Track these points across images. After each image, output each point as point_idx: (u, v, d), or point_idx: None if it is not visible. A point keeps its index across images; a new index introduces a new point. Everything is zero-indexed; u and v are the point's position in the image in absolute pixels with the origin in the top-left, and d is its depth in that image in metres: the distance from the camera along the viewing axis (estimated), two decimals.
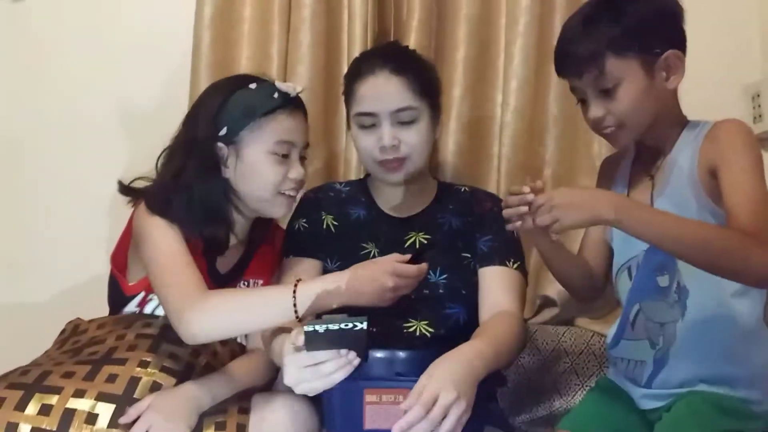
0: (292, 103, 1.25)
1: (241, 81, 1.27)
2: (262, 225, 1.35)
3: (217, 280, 1.26)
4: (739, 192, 1.05)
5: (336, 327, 0.96)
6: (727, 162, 1.08)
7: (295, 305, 1.09)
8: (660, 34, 1.12)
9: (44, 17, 1.76)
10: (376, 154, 1.27)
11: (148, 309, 1.26)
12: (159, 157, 1.27)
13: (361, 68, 1.31)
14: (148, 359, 1.14)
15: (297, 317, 1.09)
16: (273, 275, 1.34)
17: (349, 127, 1.35)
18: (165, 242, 1.17)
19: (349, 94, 1.32)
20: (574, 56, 1.12)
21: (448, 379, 1.00)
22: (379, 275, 1.08)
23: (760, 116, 1.74)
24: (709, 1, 1.79)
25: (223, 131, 1.22)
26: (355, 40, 1.62)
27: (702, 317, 1.12)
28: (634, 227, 1.03)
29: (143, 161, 1.31)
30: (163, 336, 1.19)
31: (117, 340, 1.19)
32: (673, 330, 1.14)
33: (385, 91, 1.26)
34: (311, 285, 1.11)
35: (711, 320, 1.11)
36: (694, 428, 1.06)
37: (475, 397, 1.05)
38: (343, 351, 1.00)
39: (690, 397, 1.10)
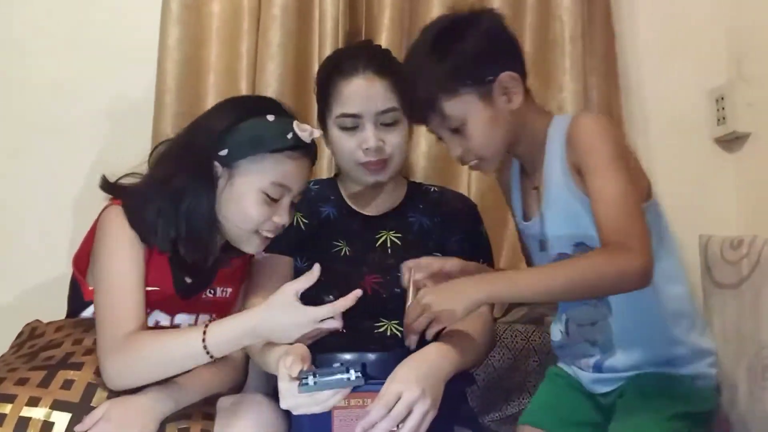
0: (303, 148, 1.18)
1: (261, 106, 1.20)
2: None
3: (183, 288, 1.23)
4: (600, 201, 1.05)
5: (329, 378, 0.97)
6: (586, 166, 1.08)
7: (206, 349, 1.06)
8: (487, 62, 1.11)
9: (4, 16, 1.70)
10: (359, 155, 1.26)
11: None
12: (152, 152, 1.23)
13: (342, 68, 1.28)
14: None
15: (212, 359, 1.08)
16: (243, 282, 1.31)
17: (320, 124, 1.33)
18: (118, 260, 1.13)
19: (329, 94, 1.29)
20: (414, 106, 1.14)
21: (411, 379, 1.01)
22: (301, 325, 1.04)
23: (723, 119, 1.78)
24: (675, 7, 1.83)
25: (224, 152, 1.16)
26: (326, 39, 1.61)
27: (631, 308, 1.13)
28: (510, 298, 1.11)
29: (108, 160, 1.28)
30: None
31: (74, 345, 1.15)
32: (606, 326, 1.15)
33: (370, 92, 1.25)
34: (222, 328, 1.07)
35: (641, 308, 1.12)
36: (646, 416, 1.08)
37: (445, 396, 1.06)
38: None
39: (638, 382, 1.13)
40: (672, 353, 1.14)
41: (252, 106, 1.21)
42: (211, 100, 1.66)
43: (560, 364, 1.27)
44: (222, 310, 1.27)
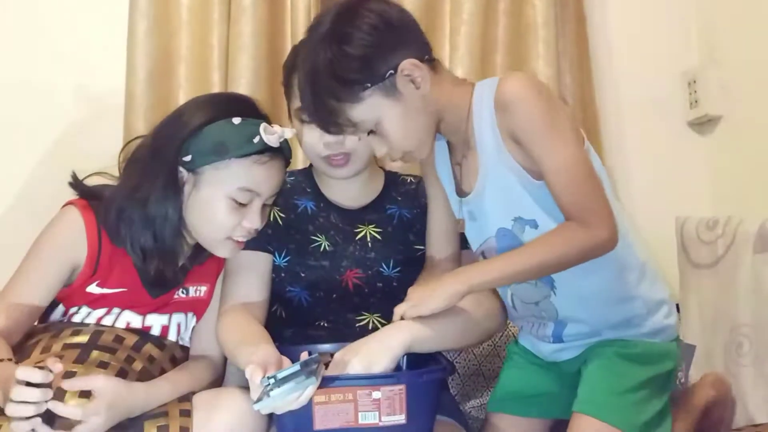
0: (271, 152, 1.13)
1: (226, 109, 1.15)
2: None
3: (153, 288, 1.20)
4: (551, 172, 1.02)
5: (282, 389, 0.96)
6: (524, 135, 1.03)
7: None
8: (380, 59, 1.03)
9: None
10: (320, 149, 1.23)
11: (76, 319, 1.19)
12: (122, 150, 1.20)
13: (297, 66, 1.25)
14: (75, 369, 1.08)
15: None
16: (217, 278, 1.29)
17: (290, 117, 1.31)
18: (53, 248, 1.15)
19: (289, 86, 1.27)
20: (324, 125, 1.08)
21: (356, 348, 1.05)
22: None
23: (696, 101, 1.79)
24: None
25: (188, 158, 1.12)
26: (298, 28, 1.60)
27: (572, 284, 1.11)
28: (489, 285, 1.11)
29: (78, 155, 1.25)
30: (92, 344, 1.13)
31: (42, 353, 1.12)
32: (549, 305, 1.14)
33: None
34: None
35: (584, 280, 1.10)
36: (611, 396, 1.08)
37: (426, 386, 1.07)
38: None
39: (600, 351, 1.12)
40: (626, 312, 1.13)
41: (219, 107, 1.16)
42: (183, 92, 1.64)
43: (520, 340, 1.26)
44: (196, 308, 1.25)
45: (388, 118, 1.05)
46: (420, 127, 1.09)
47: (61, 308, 1.20)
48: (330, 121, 1.06)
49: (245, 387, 1.10)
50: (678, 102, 1.83)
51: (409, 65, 1.04)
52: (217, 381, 1.26)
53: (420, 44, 1.09)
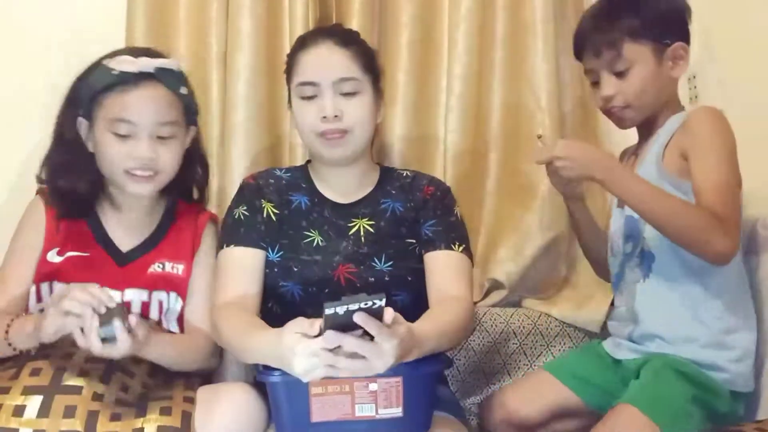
0: (135, 79, 1.21)
1: (106, 56, 1.26)
2: (171, 204, 1.34)
3: (119, 258, 1.26)
4: (708, 179, 1.16)
5: (355, 307, 0.92)
6: (697, 148, 1.19)
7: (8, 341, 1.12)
8: (671, 27, 1.27)
9: None
10: (317, 124, 1.25)
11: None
12: None
13: (304, 41, 1.31)
14: (73, 351, 1.12)
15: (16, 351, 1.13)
16: (194, 257, 1.31)
17: (290, 105, 1.32)
18: (22, 233, 1.27)
19: (291, 67, 1.30)
20: (596, 39, 1.27)
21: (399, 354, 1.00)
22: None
23: (696, 97, 1.78)
24: None
25: (81, 110, 1.24)
26: (296, 25, 1.59)
27: (665, 282, 1.24)
28: (617, 190, 1.20)
29: None
30: None
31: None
32: (634, 289, 1.29)
33: (328, 60, 1.26)
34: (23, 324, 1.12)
35: (673, 285, 1.24)
36: (662, 390, 1.16)
37: (423, 380, 1.06)
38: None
39: (656, 359, 1.21)
40: (690, 334, 1.22)
41: (103, 58, 1.26)
42: None
43: (605, 344, 1.37)
44: (178, 288, 1.28)
45: (642, 68, 1.25)
46: (652, 94, 1.27)
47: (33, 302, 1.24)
48: (605, 40, 1.25)
49: (245, 382, 1.10)
50: (678, 97, 1.83)
51: (681, 47, 1.27)
52: (214, 359, 1.28)
53: (689, 43, 1.29)
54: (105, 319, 1.03)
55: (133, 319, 1.05)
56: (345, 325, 0.93)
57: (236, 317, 1.17)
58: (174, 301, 1.28)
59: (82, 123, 1.25)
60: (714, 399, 1.19)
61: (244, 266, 1.25)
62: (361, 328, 0.93)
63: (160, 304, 1.26)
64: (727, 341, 1.21)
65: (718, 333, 1.21)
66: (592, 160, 1.21)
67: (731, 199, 1.15)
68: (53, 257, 1.24)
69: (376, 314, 0.94)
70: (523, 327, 1.61)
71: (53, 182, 1.27)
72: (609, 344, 1.36)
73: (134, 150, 1.21)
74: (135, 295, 1.24)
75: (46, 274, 1.23)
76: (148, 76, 1.21)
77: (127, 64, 1.20)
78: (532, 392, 1.35)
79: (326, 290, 1.25)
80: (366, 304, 0.92)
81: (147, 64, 1.21)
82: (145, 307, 1.25)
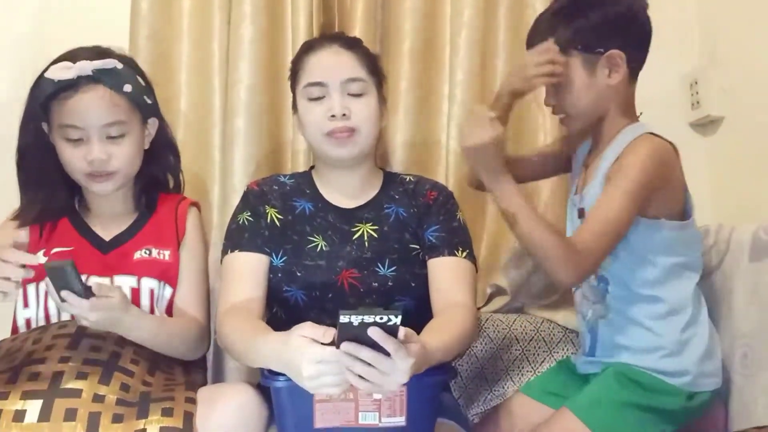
0: (75, 84, 1.21)
1: (49, 65, 1.25)
2: (149, 195, 1.36)
3: (102, 246, 1.28)
4: (599, 208, 1.17)
5: (371, 320, 0.91)
6: (613, 178, 1.19)
7: None
8: (604, 36, 1.22)
9: None
10: (325, 124, 1.26)
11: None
12: None
13: (311, 45, 1.34)
14: (69, 354, 1.12)
15: None
16: (179, 245, 1.33)
17: (295, 110, 1.33)
18: None
19: (297, 71, 1.32)
20: (538, 32, 1.27)
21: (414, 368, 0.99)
22: None
23: (698, 102, 1.79)
24: None
25: (39, 119, 1.26)
26: (298, 33, 1.60)
27: (620, 300, 1.26)
28: (498, 203, 1.20)
29: None
30: (81, 332, 1.17)
31: (34, 344, 1.16)
32: (591, 306, 1.30)
33: (335, 61, 1.28)
34: None
35: (629, 303, 1.25)
36: (604, 397, 1.21)
37: (427, 389, 1.06)
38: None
39: (610, 369, 1.24)
40: (647, 345, 1.23)
41: (47, 66, 1.25)
42: (184, 98, 1.65)
43: (573, 357, 1.40)
44: (167, 276, 1.29)
45: (572, 82, 1.23)
46: (588, 104, 1.25)
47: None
48: (543, 32, 1.25)
49: (246, 382, 1.10)
50: (680, 103, 1.83)
51: (615, 55, 1.21)
52: (203, 346, 1.31)
53: (638, 49, 1.25)
54: (57, 279, 1.06)
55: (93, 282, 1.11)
56: (357, 336, 0.93)
57: (241, 322, 1.17)
58: (164, 290, 1.29)
59: (46, 128, 1.28)
60: (668, 401, 1.21)
61: (249, 271, 1.26)
62: (373, 342, 0.92)
63: (151, 291, 1.27)
64: (685, 349, 1.23)
65: (674, 343, 1.23)
66: (484, 161, 1.19)
67: (607, 238, 1.16)
68: (41, 258, 1.23)
69: (391, 331, 0.93)
70: (526, 333, 1.61)
71: (26, 193, 1.30)
72: (576, 359, 1.39)
73: (87, 153, 1.23)
74: (124, 281, 1.25)
75: (35, 276, 1.21)
76: (88, 78, 1.22)
77: (64, 71, 1.21)
78: (515, 417, 1.35)
79: (330, 295, 1.25)
80: (381, 319, 0.91)
81: (84, 67, 1.21)
82: (135, 294, 1.26)
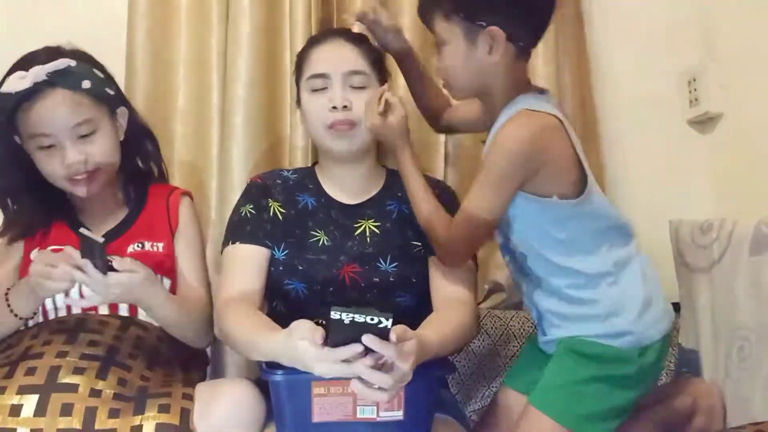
0: (33, 93, 1.19)
1: (3, 77, 1.23)
2: (137, 187, 1.36)
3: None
4: (465, 198, 1.19)
5: (362, 320, 0.92)
6: (481, 167, 1.19)
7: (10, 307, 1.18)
8: (488, 9, 1.17)
9: None
10: (327, 115, 1.26)
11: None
12: None
13: (315, 38, 1.35)
14: (66, 349, 1.12)
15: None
16: (173, 236, 1.33)
17: (299, 104, 1.33)
18: None
19: (301, 63, 1.33)
20: (419, 11, 1.25)
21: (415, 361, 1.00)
22: None
23: (696, 100, 1.79)
24: None
25: (10, 133, 1.24)
26: (297, 28, 1.59)
27: (542, 272, 1.23)
28: (400, 170, 1.26)
29: None
30: (79, 327, 1.17)
31: (31, 339, 1.16)
32: (522, 283, 1.28)
33: (338, 54, 1.29)
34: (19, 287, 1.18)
35: (549, 275, 1.23)
36: (555, 380, 1.19)
37: (425, 383, 1.06)
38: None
39: (561, 347, 1.22)
40: (585, 311, 1.21)
41: (2, 79, 1.24)
42: (182, 93, 1.65)
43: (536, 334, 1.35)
44: (163, 268, 1.29)
45: (453, 50, 1.19)
46: (466, 76, 1.21)
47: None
48: (420, 13, 1.23)
49: (244, 377, 1.10)
50: (678, 100, 1.83)
51: (496, 32, 1.16)
52: (210, 332, 1.31)
53: (525, 29, 1.19)
54: (86, 249, 1.09)
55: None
56: (349, 335, 0.93)
57: (242, 314, 1.17)
58: (160, 283, 1.29)
59: (18, 139, 1.25)
60: (621, 367, 1.19)
61: (249, 263, 1.26)
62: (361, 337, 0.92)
63: None
64: (618, 311, 1.20)
65: (608, 306, 1.20)
66: (401, 137, 1.25)
67: (468, 228, 1.18)
68: (35, 255, 1.26)
69: (382, 334, 0.93)
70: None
71: (8, 208, 1.29)
72: (539, 338, 1.34)
73: (63, 159, 1.21)
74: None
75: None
76: (45, 84, 1.19)
77: (19, 82, 1.18)
78: (504, 410, 1.32)
79: (330, 289, 1.25)
80: (373, 320, 0.92)
81: (37, 73, 1.18)
82: None
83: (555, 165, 1.16)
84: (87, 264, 1.08)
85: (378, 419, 1.04)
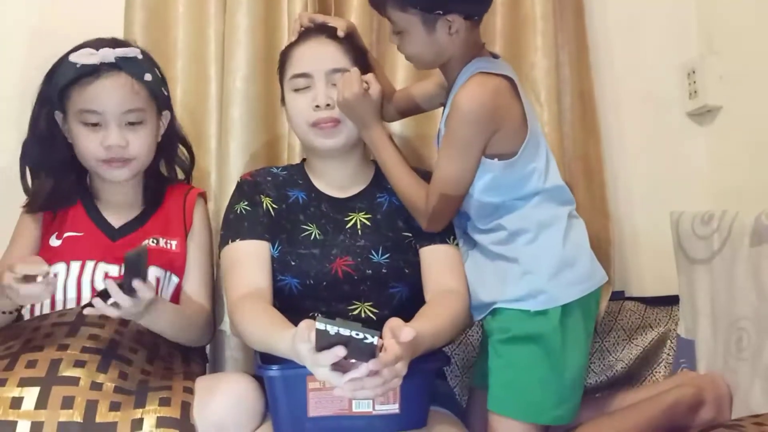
0: (97, 70, 1.24)
1: (70, 51, 1.27)
2: (157, 186, 1.38)
3: (111, 233, 1.31)
4: (435, 167, 1.24)
5: (347, 333, 0.91)
6: (445, 136, 1.23)
7: None
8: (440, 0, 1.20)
9: None
10: (310, 114, 1.27)
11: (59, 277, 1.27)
12: None
13: (298, 39, 1.34)
14: (67, 342, 1.12)
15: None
16: (187, 235, 1.35)
17: (284, 102, 1.33)
18: (13, 242, 1.32)
19: (284, 62, 1.33)
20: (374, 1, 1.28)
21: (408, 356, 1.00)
22: None
23: (695, 92, 1.78)
24: None
25: (54, 104, 1.27)
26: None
27: (473, 231, 1.30)
28: (373, 145, 1.29)
29: None
30: (80, 321, 1.18)
31: (33, 332, 1.17)
32: (466, 248, 1.33)
33: (320, 52, 1.29)
34: None
35: (478, 233, 1.29)
36: (500, 378, 1.22)
37: (420, 377, 1.07)
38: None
39: (488, 338, 1.27)
40: (501, 273, 1.25)
41: (67, 52, 1.27)
42: (179, 85, 1.64)
43: None
44: (173, 265, 1.30)
45: (413, 36, 1.22)
46: (430, 57, 1.25)
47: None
48: (375, 4, 1.26)
49: (243, 372, 1.10)
50: (677, 93, 1.82)
51: (455, 19, 1.20)
52: (209, 333, 1.32)
53: (480, 5, 1.25)
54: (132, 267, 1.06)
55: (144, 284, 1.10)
56: (332, 346, 0.93)
57: (256, 311, 1.17)
58: (170, 279, 1.31)
59: (59, 117, 1.29)
60: (545, 326, 1.21)
61: (254, 258, 1.26)
62: (347, 350, 0.92)
63: (157, 280, 1.28)
64: (534, 268, 1.22)
65: (526, 264, 1.23)
66: (369, 118, 1.27)
67: (444, 195, 1.22)
68: (54, 242, 1.29)
69: (368, 349, 0.92)
70: None
71: (35, 179, 1.31)
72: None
73: (105, 139, 1.25)
74: None
75: (48, 258, 1.23)
76: (111, 66, 1.24)
77: (88, 56, 1.23)
78: (478, 409, 1.33)
79: (324, 283, 1.25)
80: (358, 335, 0.91)
81: (107, 54, 1.24)
82: None
83: (509, 126, 1.20)
84: (139, 284, 1.07)
85: (374, 413, 1.05)
